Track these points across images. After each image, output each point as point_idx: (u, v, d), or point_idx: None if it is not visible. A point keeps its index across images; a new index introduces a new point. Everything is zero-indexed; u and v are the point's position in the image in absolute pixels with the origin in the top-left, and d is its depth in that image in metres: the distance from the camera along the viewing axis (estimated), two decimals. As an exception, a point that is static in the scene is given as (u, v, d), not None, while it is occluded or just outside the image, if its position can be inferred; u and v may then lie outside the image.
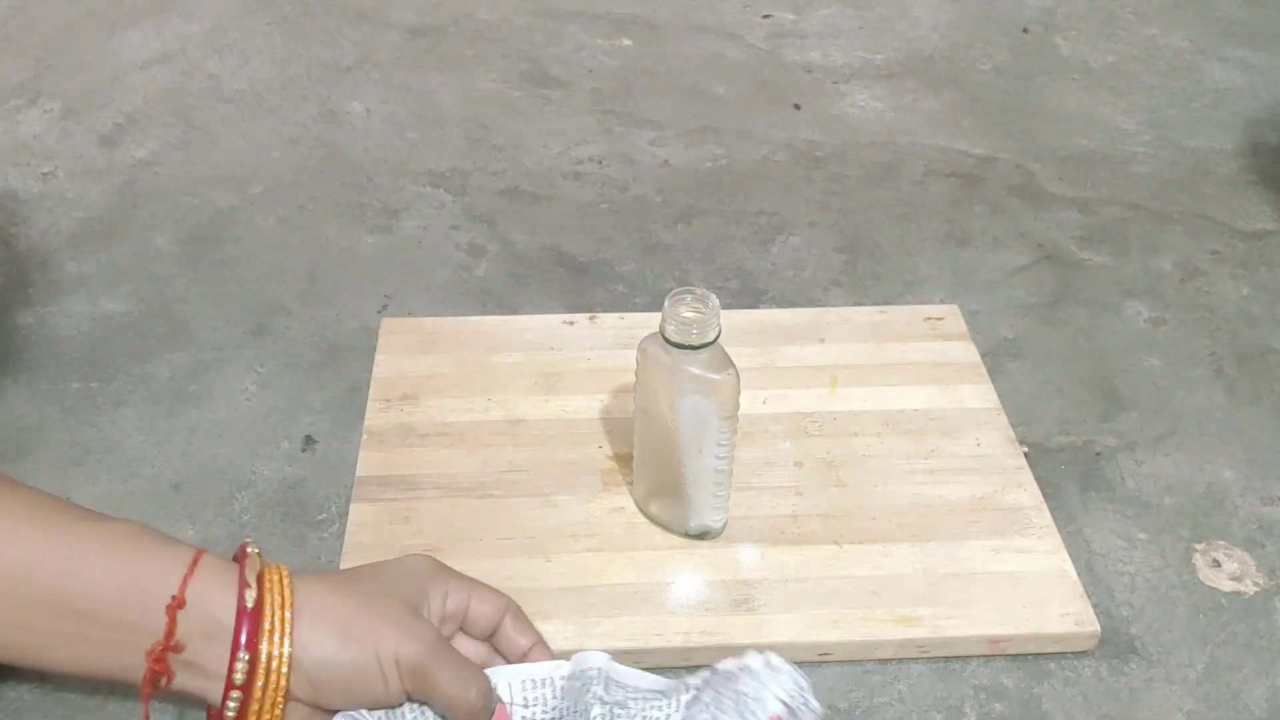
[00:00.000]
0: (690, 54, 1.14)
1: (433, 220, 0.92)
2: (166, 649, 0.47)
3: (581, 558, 0.64)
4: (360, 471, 0.69)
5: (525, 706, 0.53)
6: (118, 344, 0.80)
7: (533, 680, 0.53)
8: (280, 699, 0.48)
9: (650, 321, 0.79)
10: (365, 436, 0.71)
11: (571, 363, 0.76)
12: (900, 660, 0.62)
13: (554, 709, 0.53)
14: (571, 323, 0.80)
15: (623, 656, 0.60)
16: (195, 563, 0.48)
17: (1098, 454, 0.74)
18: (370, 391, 0.74)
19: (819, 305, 0.84)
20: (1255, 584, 0.66)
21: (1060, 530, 0.67)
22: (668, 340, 0.59)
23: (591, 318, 0.80)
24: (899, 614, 0.62)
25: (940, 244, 0.91)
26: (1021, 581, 0.63)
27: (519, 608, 0.56)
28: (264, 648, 0.48)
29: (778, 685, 0.53)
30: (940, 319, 0.81)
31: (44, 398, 0.75)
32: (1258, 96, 1.09)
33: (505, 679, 0.53)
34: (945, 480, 0.69)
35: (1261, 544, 0.68)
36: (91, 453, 0.72)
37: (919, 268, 0.88)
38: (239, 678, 0.47)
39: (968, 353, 0.78)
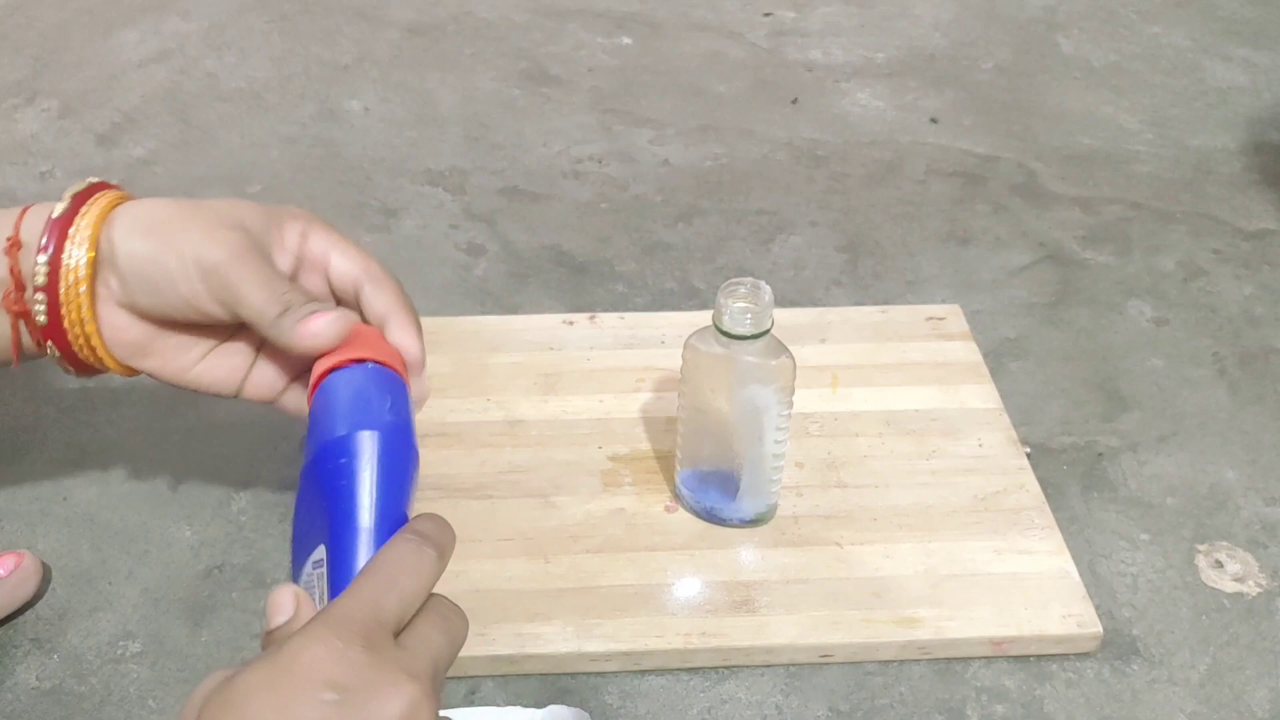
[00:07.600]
0: (690, 52, 1.14)
1: (432, 219, 0.92)
2: (18, 290, 0.51)
3: (581, 559, 0.64)
4: (359, 472, 0.69)
5: None
6: (115, 344, 0.79)
7: None
8: (86, 301, 0.51)
9: (651, 321, 0.80)
10: (364, 437, 0.71)
11: (571, 363, 0.76)
12: (902, 662, 0.61)
13: None
14: (571, 323, 0.79)
15: (623, 658, 0.60)
16: (25, 209, 0.51)
17: (1100, 454, 0.73)
18: (369, 391, 0.74)
19: (820, 305, 0.83)
20: (1258, 585, 0.66)
21: (1062, 531, 0.66)
22: (723, 332, 0.58)
23: (591, 318, 0.80)
24: (900, 615, 0.61)
25: (942, 243, 0.91)
26: (1023, 582, 0.63)
27: (383, 272, 0.55)
28: (67, 251, 0.50)
29: None
30: (942, 319, 0.80)
31: (41, 398, 0.75)
32: (1261, 95, 1.09)
33: None
34: (947, 481, 0.69)
35: (1264, 545, 0.68)
36: (89, 453, 0.71)
37: (920, 267, 0.88)
38: (40, 279, 0.50)
39: (969, 353, 0.78)
